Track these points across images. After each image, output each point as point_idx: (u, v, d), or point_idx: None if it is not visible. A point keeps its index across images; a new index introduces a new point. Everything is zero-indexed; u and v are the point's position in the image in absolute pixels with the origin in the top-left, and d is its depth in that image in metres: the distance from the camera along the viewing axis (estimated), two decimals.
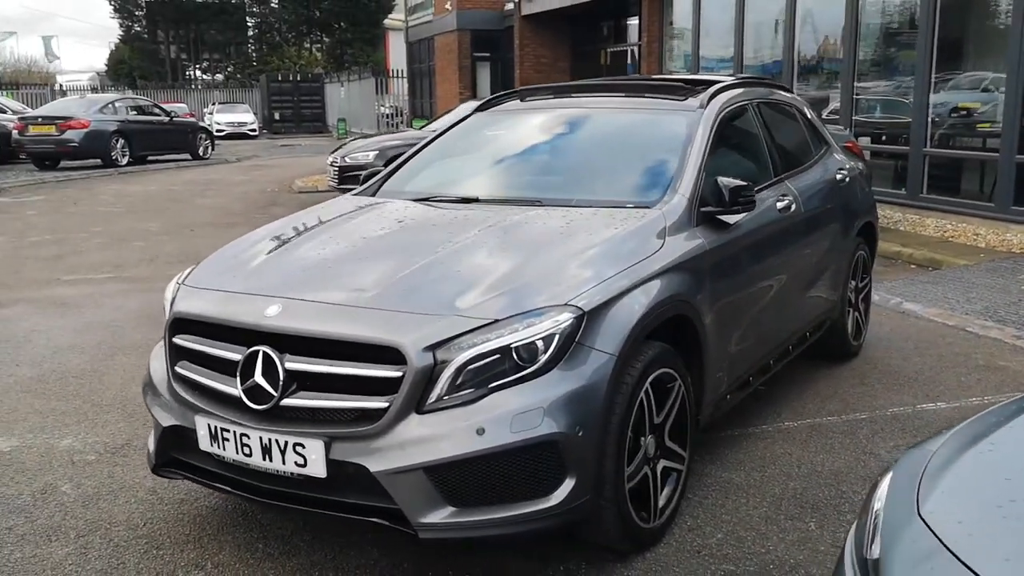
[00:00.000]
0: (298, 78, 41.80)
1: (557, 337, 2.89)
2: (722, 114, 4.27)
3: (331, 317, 3.00)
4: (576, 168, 4.25)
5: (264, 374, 2.96)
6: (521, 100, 4.93)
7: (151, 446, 3.41)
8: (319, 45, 60.08)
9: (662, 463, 3.37)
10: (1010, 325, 6.10)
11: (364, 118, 33.84)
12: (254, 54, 60.02)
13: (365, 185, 4.56)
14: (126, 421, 4.71)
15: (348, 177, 13.43)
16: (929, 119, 10.86)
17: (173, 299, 3.43)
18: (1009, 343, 5.78)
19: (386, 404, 2.82)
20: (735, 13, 14.58)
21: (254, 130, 37.16)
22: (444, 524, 2.82)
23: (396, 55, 43.70)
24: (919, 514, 1.77)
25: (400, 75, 34.08)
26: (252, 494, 3.08)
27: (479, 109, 4.97)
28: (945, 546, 1.64)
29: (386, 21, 55.11)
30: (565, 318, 2.92)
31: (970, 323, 6.21)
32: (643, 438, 3.23)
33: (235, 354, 3.05)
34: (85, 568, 3.29)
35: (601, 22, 21.84)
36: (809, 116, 5.51)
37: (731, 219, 3.86)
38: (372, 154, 13.26)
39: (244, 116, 37.78)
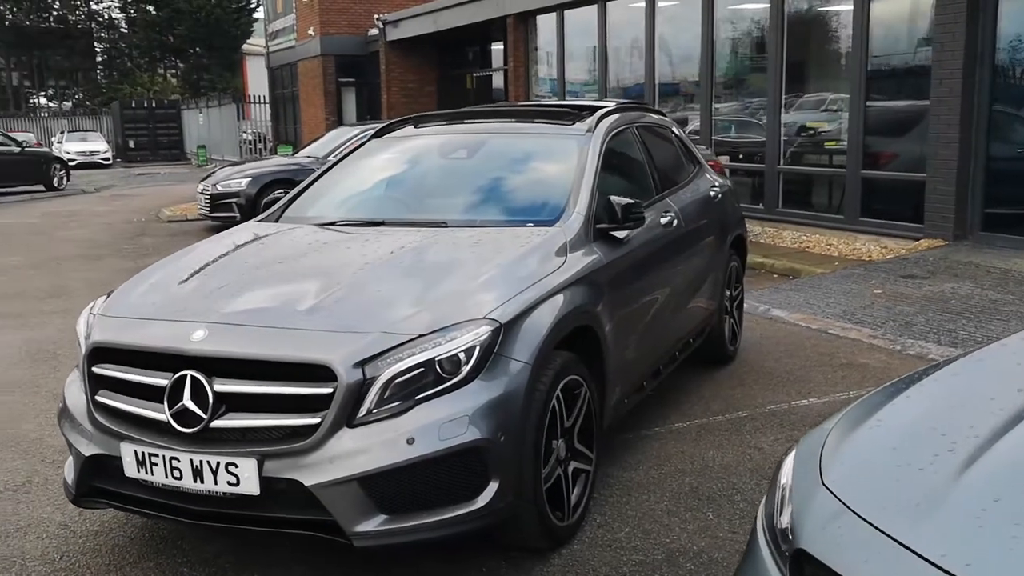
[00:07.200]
0: (153, 104, 40.53)
1: (478, 349, 3.08)
2: (608, 136, 4.57)
3: (259, 339, 3.09)
4: (476, 190, 4.46)
5: (192, 397, 3.02)
6: (415, 127, 5.09)
7: (69, 477, 3.40)
8: (174, 71, 58.38)
9: (572, 464, 3.59)
10: (867, 326, 6.66)
11: (225, 145, 33.14)
12: (104, 80, 57.75)
13: (267, 212, 4.64)
14: (22, 459, 4.60)
15: (220, 205, 13.25)
16: (781, 138, 11.65)
17: (88, 329, 3.44)
18: (867, 343, 6.32)
19: (318, 420, 2.94)
20: (597, 39, 15.17)
21: (107, 159, 35.76)
22: (377, 532, 2.95)
23: (255, 80, 42.77)
24: (823, 483, 2.04)
25: (261, 101, 33.56)
26: (183, 516, 3.13)
27: (375, 136, 5.10)
28: (848, 508, 1.91)
29: (244, 46, 54.03)
30: (484, 331, 3.11)
31: (831, 326, 6.74)
32: (555, 441, 3.44)
33: (161, 380, 3.10)
34: None
35: (467, 47, 22.23)
36: (681, 137, 5.90)
37: (622, 235, 4.15)
38: (245, 181, 13.13)
39: (96, 144, 36.33)
